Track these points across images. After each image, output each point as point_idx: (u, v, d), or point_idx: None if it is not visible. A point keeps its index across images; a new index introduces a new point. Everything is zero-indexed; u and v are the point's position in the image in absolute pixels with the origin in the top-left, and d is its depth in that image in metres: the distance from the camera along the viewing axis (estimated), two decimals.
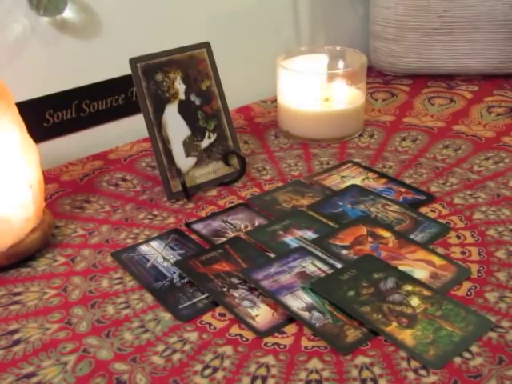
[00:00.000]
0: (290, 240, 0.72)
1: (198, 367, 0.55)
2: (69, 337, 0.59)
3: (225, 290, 0.64)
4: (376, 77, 1.23)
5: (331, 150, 0.95)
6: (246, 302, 0.62)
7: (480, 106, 1.08)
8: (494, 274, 0.65)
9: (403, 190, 0.82)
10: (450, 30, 1.14)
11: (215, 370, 0.55)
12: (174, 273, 0.68)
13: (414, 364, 0.54)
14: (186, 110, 0.83)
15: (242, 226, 0.76)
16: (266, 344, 0.57)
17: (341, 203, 0.80)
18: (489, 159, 0.90)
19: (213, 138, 0.86)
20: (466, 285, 0.64)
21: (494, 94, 1.12)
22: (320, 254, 0.69)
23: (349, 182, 0.85)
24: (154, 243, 0.73)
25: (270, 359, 0.56)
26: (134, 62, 0.80)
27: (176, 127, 0.82)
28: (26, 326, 0.61)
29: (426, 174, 0.86)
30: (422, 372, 0.54)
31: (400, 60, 1.19)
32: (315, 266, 0.67)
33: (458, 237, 0.72)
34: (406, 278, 0.64)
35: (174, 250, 0.72)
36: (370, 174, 0.87)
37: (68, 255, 0.72)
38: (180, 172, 0.82)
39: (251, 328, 0.59)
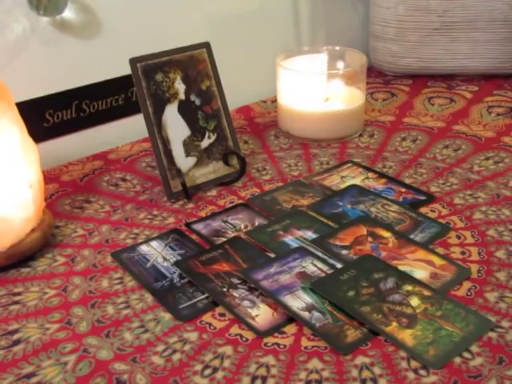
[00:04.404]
0: (290, 240, 0.72)
1: (198, 367, 0.55)
2: (69, 337, 0.59)
3: (225, 289, 0.64)
4: (376, 77, 1.23)
5: (331, 150, 0.95)
6: (245, 302, 0.62)
7: (480, 105, 1.08)
8: (493, 273, 0.65)
9: (403, 190, 0.82)
10: (450, 30, 1.14)
11: (215, 370, 0.55)
12: (174, 273, 0.68)
13: (414, 364, 0.54)
14: (186, 109, 0.83)
15: (242, 226, 0.76)
16: (265, 344, 0.57)
17: (341, 203, 0.80)
18: (489, 159, 0.90)
19: (213, 137, 0.86)
20: (466, 285, 0.64)
21: (494, 94, 1.12)
22: (320, 254, 0.69)
23: (349, 182, 0.85)
24: (154, 243, 0.73)
25: (270, 359, 0.56)
26: (134, 62, 0.80)
27: (176, 127, 0.82)
28: (26, 326, 0.61)
29: (426, 174, 0.86)
30: (422, 372, 0.54)
31: (400, 60, 1.19)
32: (315, 266, 0.67)
33: (458, 237, 0.72)
34: (406, 277, 0.64)
35: (173, 250, 0.72)
36: (370, 174, 0.87)
37: (68, 255, 0.72)
38: (180, 172, 0.82)
39: (251, 328, 0.59)
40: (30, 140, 0.71)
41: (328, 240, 0.72)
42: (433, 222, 0.75)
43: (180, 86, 0.83)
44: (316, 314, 0.60)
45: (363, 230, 0.73)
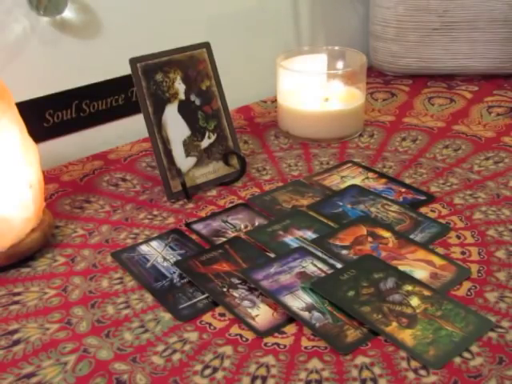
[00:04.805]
0: (290, 240, 0.72)
1: (198, 367, 0.55)
2: (69, 337, 0.59)
3: (225, 289, 0.64)
4: (376, 77, 1.23)
5: (331, 150, 0.95)
6: (245, 302, 0.62)
7: (480, 105, 1.08)
8: (493, 273, 0.65)
9: (403, 190, 0.82)
10: (450, 30, 1.14)
11: (215, 370, 0.55)
12: (174, 273, 0.68)
13: (414, 364, 0.54)
14: (186, 109, 0.83)
15: (242, 226, 0.76)
16: (265, 344, 0.57)
17: (341, 203, 0.80)
18: (489, 159, 0.90)
19: (213, 137, 0.86)
20: (466, 285, 0.64)
21: (494, 94, 1.12)
22: (320, 254, 0.69)
23: (349, 182, 0.85)
24: (154, 243, 0.73)
25: (270, 359, 0.56)
26: (134, 62, 0.80)
27: (176, 127, 0.82)
28: (26, 326, 0.61)
29: (426, 174, 0.86)
30: (422, 372, 0.54)
31: (400, 60, 1.19)
32: (315, 266, 0.67)
33: (458, 237, 0.72)
34: (406, 278, 0.64)
35: (173, 250, 0.72)
36: (370, 174, 0.87)
37: (68, 255, 0.72)
38: (180, 172, 0.82)
39: (251, 328, 0.59)
40: (30, 140, 0.71)
41: (328, 240, 0.72)
42: (433, 222, 0.75)
43: (180, 86, 0.83)
44: (316, 313, 0.60)
45: (363, 230, 0.73)
